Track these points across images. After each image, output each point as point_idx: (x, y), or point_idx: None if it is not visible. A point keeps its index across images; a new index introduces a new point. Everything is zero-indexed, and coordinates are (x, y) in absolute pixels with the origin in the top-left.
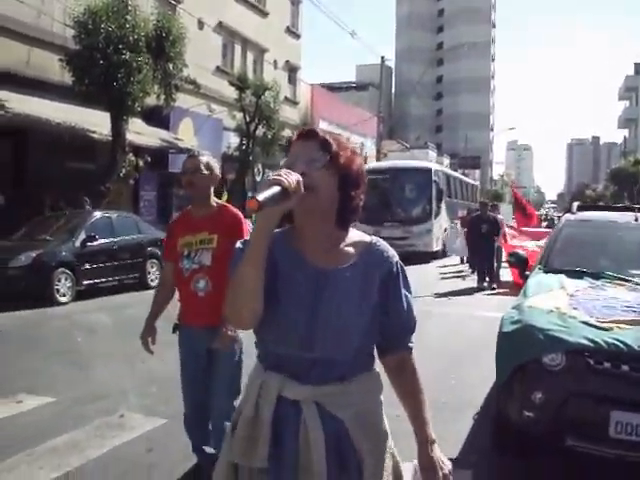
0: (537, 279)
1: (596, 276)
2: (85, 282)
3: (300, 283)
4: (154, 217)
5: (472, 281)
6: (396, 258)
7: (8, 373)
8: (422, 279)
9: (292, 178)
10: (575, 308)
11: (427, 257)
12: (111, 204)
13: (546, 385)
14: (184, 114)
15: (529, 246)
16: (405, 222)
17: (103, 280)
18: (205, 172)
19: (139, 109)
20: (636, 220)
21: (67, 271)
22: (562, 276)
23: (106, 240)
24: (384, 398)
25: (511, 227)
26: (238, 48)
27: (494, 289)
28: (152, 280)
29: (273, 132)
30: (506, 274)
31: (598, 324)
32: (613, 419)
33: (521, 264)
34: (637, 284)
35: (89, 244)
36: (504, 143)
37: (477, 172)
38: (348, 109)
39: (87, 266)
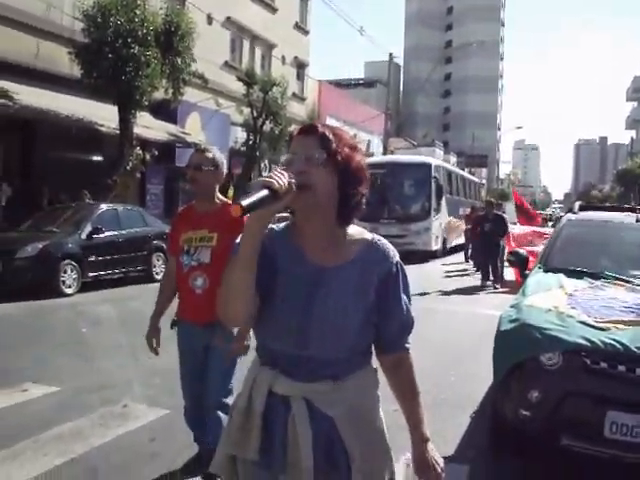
0: (536, 278)
1: (596, 276)
2: (91, 274)
3: (298, 280)
4: (160, 210)
5: (476, 279)
6: (397, 258)
7: (14, 363)
8: (427, 277)
9: (283, 179)
10: (573, 308)
11: (426, 256)
12: (118, 197)
13: (543, 384)
14: (192, 108)
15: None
16: (402, 219)
17: (109, 272)
18: (210, 168)
19: (147, 103)
20: (637, 221)
21: (73, 263)
22: (561, 275)
23: (112, 232)
24: (381, 394)
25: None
26: (246, 43)
27: (496, 288)
28: (157, 273)
29: (280, 128)
30: (509, 273)
31: (596, 324)
32: (609, 419)
33: (521, 263)
34: (637, 285)
35: (95, 236)
36: (511, 142)
37: (484, 171)
38: (356, 106)
39: (93, 258)
